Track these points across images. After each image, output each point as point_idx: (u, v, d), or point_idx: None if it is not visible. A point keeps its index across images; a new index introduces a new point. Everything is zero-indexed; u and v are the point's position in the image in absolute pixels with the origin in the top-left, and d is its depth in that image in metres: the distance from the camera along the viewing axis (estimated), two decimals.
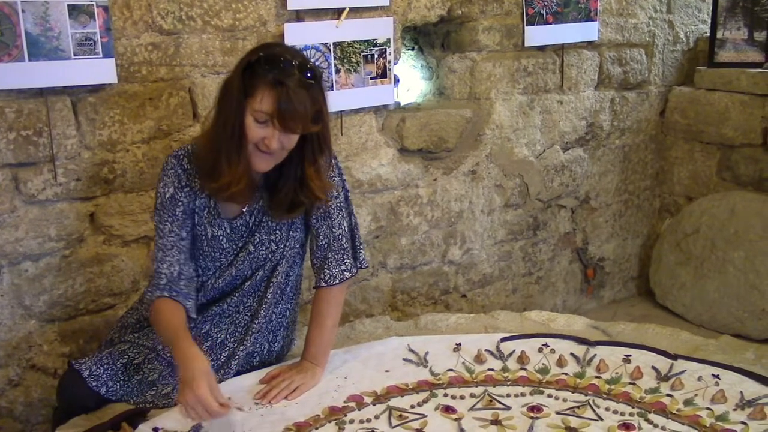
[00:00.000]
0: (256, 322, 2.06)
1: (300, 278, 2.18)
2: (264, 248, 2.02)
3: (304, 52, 2.62)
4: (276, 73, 1.78)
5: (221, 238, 1.98)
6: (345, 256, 2.05)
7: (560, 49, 3.38)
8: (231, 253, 2.01)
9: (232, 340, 2.06)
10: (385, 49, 2.84)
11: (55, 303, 2.40)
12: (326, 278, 2.04)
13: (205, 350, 2.03)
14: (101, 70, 2.27)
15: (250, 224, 2.00)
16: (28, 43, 2.14)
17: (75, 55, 2.22)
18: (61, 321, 2.43)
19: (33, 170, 2.28)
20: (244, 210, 1.98)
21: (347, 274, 2.06)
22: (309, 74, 1.81)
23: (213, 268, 2.02)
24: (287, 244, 2.04)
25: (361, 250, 2.10)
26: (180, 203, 1.92)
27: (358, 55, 2.77)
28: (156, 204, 1.95)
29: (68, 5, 2.18)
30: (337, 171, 2.04)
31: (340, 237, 2.04)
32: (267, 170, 1.89)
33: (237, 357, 2.04)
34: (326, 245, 2.04)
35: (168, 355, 1.99)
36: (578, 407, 1.88)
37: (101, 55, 2.26)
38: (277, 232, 2.02)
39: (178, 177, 1.92)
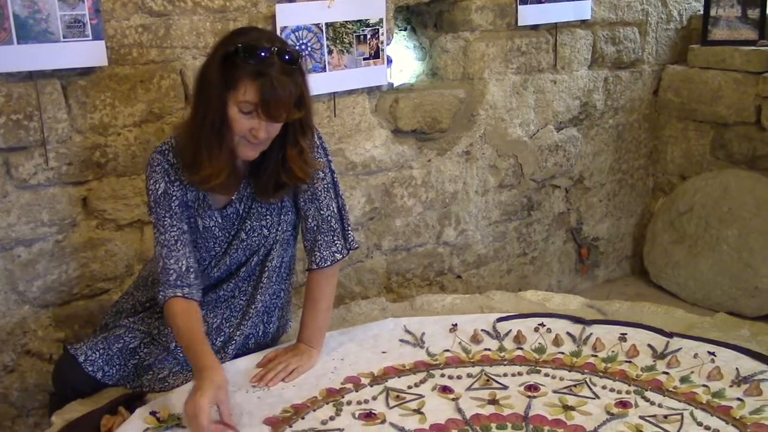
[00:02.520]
0: (253, 306, 2.05)
1: (294, 259, 2.17)
2: (256, 234, 2.00)
3: (296, 33, 2.61)
4: (256, 64, 1.74)
5: (213, 228, 1.97)
6: (335, 238, 2.04)
7: (553, 28, 3.37)
8: (224, 242, 2.00)
9: (227, 325, 2.05)
10: (378, 29, 2.81)
11: (49, 288, 2.39)
12: (317, 261, 2.03)
13: None
14: (91, 53, 2.25)
15: (241, 211, 1.98)
16: (16, 26, 2.12)
17: (64, 37, 2.19)
18: (56, 306, 2.42)
19: (24, 155, 2.27)
20: (233, 198, 1.96)
21: (338, 256, 2.04)
22: (289, 58, 1.78)
23: (208, 258, 2.01)
24: (279, 228, 2.03)
25: (350, 231, 2.08)
26: (174, 197, 1.90)
27: (350, 35, 2.75)
28: (149, 202, 1.92)
29: None
30: (323, 152, 2.02)
31: (329, 218, 2.03)
32: (255, 157, 1.87)
33: (234, 341, 2.04)
34: (315, 227, 2.03)
35: (164, 340, 1.99)
36: (575, 386, 1.88)
37: (91, 38, 2.23)
38: (268, 217, 2.00)
39: (166, 172, 1.89)
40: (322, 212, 2.02)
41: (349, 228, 2.08)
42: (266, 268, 2.05)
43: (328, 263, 2.03)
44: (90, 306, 2.48)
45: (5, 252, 2.30)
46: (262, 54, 1.74)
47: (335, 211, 2.04)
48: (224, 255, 2.01)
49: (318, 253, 2.03)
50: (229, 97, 1.77)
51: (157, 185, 1.89)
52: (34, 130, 2.25)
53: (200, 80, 1.84)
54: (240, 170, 1.94)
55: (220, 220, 1.97)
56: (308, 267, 2.06)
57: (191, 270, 1.90)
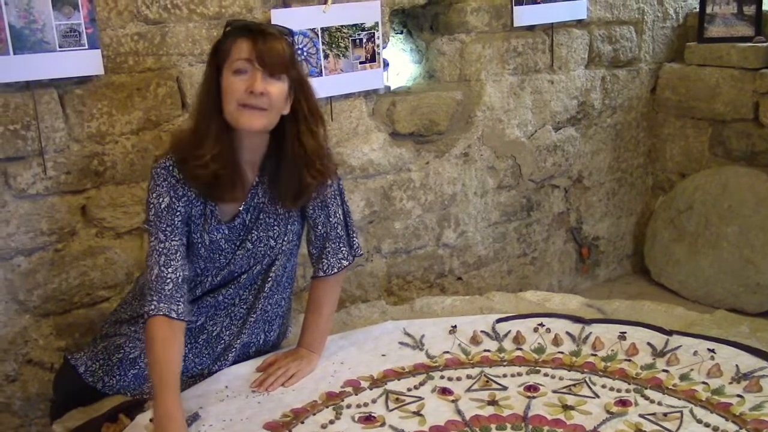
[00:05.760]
0: (253, 315, 2.04)
1: (295, 267, 2.16)
2: (262, 245, 1.99)
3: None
4: (248, 27, 1.84)
5: (220, 240, 1.95)
6: (341, 245, 2.04)
7: (549, 28, 3.37)
8: (230, 253, 1.98)
9: (227, 333, 2.05)
10: (374, 33, 2.82)
11: (50, 297, 2.39)
12: (325, 268, 2.03)
13: (200, 344, 2.03)
14: (87, 62, 2.25)
15: (247, 222, 1.97)
16: (12, 37, 2.12)
17: (60, 47, 2.20)
18: (56, 315, 2.42)
19: (22, 164, 2.27)
20: (241, 209, 1.95)
21: (345, 263, 2.05)
22: (278, 28, 1.89)
23: (212, 268, 1.99)
24: (285, 239, 2.01)
25: (354, 238, 2.08)
26: (178, 213, 1.87)
27: (346, 39, 2.76)
28: (149, 215, 1.88)
29: None
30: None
31: (336, 226, 2.03)
32: (258, 127, 1.83)
33: (234, 349, 2.04)
34: (324, 235, 2.03)
35: None
36: (575, 385, 1.88)
37: (87, 47, 2.24)
38: (275, 227, 1.99)
39: (172, 187, 1.86)
40: (330, 219, 2.02)
41: (354, 234, 2.08)
42: (269, 278, 2.03)
43: (335, 270, 2.03)
44: (90, 314, 2.48)
45: (5, 262, 2.30)
46: (251, 22, 1.89)
47: (341, 218, 2.04)
48: (228, 264, 1.99)
49: (326, 261, 2.03)
50: (224, 68, 1.81)
51: (161, 199, 1.86)
52: (32, 140, 2.26)
53: (203, 78, 1.90)
54: (246, 176, 1.92)
55: (227, 232, 1.95)
56: (314, 274, 2.06)
57: (185, 281, 1.87)
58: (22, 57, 2.15)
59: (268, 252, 2.01)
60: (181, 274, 1.85)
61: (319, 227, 2.03)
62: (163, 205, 1.86)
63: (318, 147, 1.91)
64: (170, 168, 1.87)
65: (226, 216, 1.95)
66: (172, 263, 1.84)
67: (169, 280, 1.82)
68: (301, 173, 1.90)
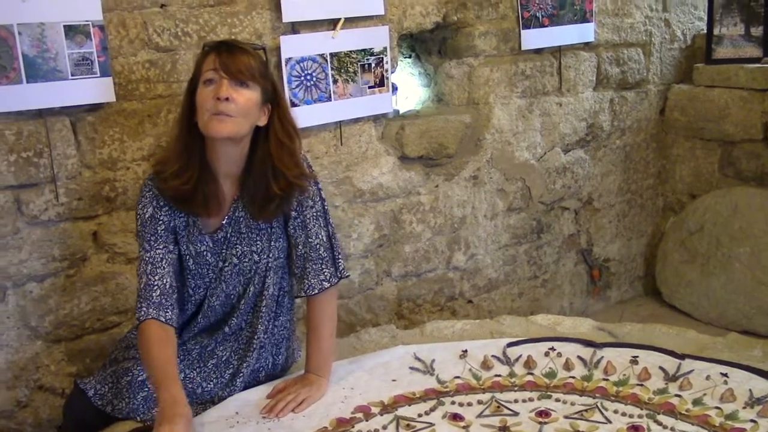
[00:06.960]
0: (256, 337, 2.06)
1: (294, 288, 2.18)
2: (247, 260, 2.02)
3: (301, 64, 2.64)
4: (217, 42, 1.94)
5: (205, 253, 2.00)
6: (324, 266, 2.04)
7: (557, 51, 3.39)
8: (216, 267, 2.02)
9: (235, 357, 2.07)
10: (382, 57, 2.84)
11: (61, 323, 2.40)
12: (305, 288, 2.04)
13: (209, 368, 2.04)
14: (99, 89, 2.28)
15: (229, 235, 2.00)
16: (25, 65, 2.15)
17: (72, 75, 2.23)
18: (68, 341, 2.43)
19: (35, 191, 2.29)
20: (224, 222, 1.99)
21: (326, 284, 2.04)
22: (249, 45, 1.96)
23: (202, 285, 2.03)
24: (271, 255, 2.04)
25: (340, 260, 2.08)
26: (161, 222, 1.94)
27: (355, 64, 2.78)
28: (137, 226, 1.97)
29: (64, 26, 2.19)
30: (313, 181, 2.05)
31: (317, 247, 2.04)
32: (226, 134, 1.86)
33: (242, 374, 2.04)
34: (304, 255, 2.04)
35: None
36: (586, 410, 1.87)
37: (99, 74, 2.27)
38: (259, 242, 2.02)
39: (156, 197, 1.95)
40: (310, 240, 2.03)
41: (340, 256, 2.08)
42: (264, 297, 2.05)
43: (316, 291, 2.04)
44: (102, 340, 2.49)
45: (17, 288, 2.32)
46: (223, 40, 1.98)
47: (324, 240, 2.05)
48: (218, 282, 2.02)
49: (306, 281, 2.04)
50: (198, 84, 1.89)
51: (145, 209, 1.95)
52: (44, 167, 2.28)
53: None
54: (225, 190, 1.97)
55: (211, 245, 1.99)
56: (296, 294, 2.09)
57: (174, 290, 1.92)
58: (35, 85, 2.18)
59: (255, 268, 2.03)
60: (168, 281, 1.91)
61: (300, 247, 2.04)
62: (146, 215, 1.94)
63: (287, 159, 1.95)
64: (155, 179, 1.96)
65: (209, 228, 1.99)
66: (158, 271, 1.91)
67: (156, 287, 1.89)
68: (268, 183, 1.94)
